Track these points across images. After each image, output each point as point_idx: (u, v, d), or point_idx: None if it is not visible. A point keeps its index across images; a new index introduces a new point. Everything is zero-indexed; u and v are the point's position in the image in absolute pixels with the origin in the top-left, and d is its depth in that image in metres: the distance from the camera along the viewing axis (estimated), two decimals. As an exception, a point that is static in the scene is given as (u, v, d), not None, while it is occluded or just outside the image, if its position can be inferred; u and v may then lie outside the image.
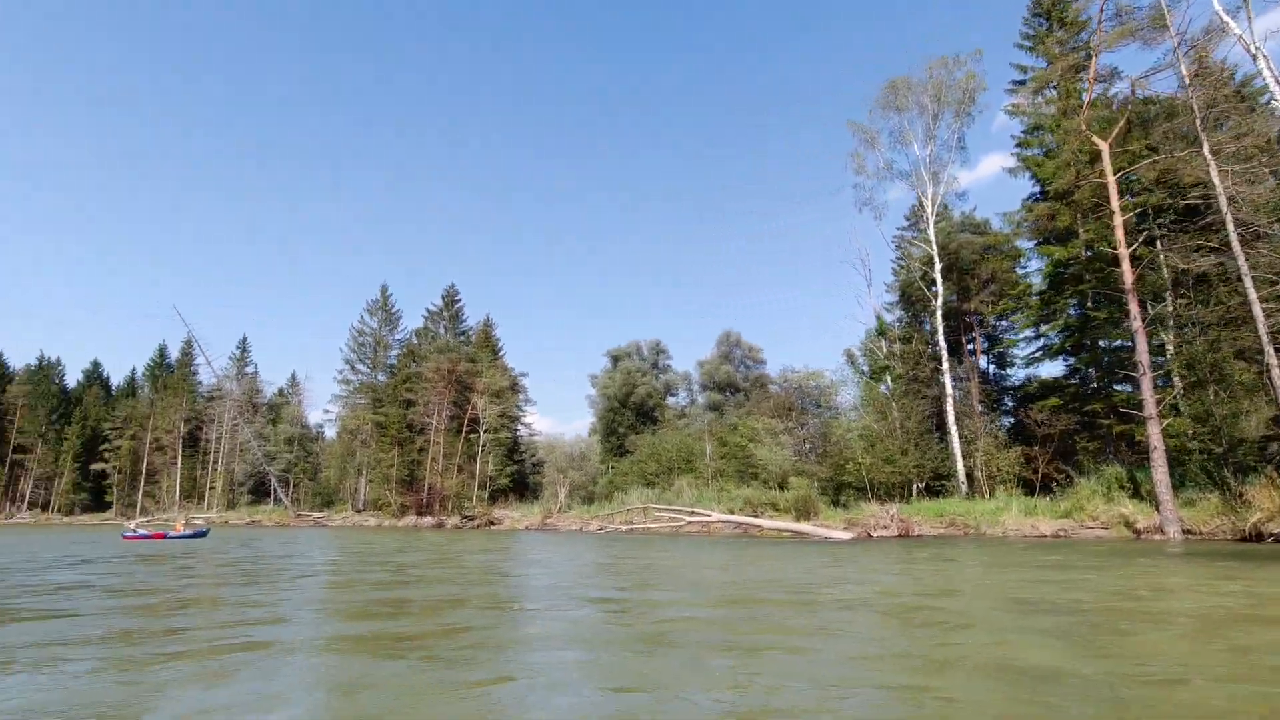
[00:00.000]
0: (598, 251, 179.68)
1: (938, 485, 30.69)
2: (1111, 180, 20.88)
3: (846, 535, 23.33)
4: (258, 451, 63.19)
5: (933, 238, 32.40)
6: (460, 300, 62.93)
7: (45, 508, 72.93)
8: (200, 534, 29.28)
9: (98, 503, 72.19)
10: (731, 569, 13.59)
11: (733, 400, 62.28)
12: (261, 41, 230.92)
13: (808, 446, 38.08)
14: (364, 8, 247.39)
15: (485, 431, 49.96)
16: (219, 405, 68.49)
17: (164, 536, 27.58)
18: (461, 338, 60.58)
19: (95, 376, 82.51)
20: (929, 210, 32.46)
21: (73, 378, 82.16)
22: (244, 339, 77.47)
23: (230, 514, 59.46)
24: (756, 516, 30.36)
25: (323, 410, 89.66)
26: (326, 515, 54.48)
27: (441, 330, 61.93)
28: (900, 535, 23.25)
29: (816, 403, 40.10)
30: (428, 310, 62.33)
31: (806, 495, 29.07)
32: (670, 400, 67.58)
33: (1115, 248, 21.11)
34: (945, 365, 31.21)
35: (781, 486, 31.73)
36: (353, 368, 62.70)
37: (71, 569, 12.93)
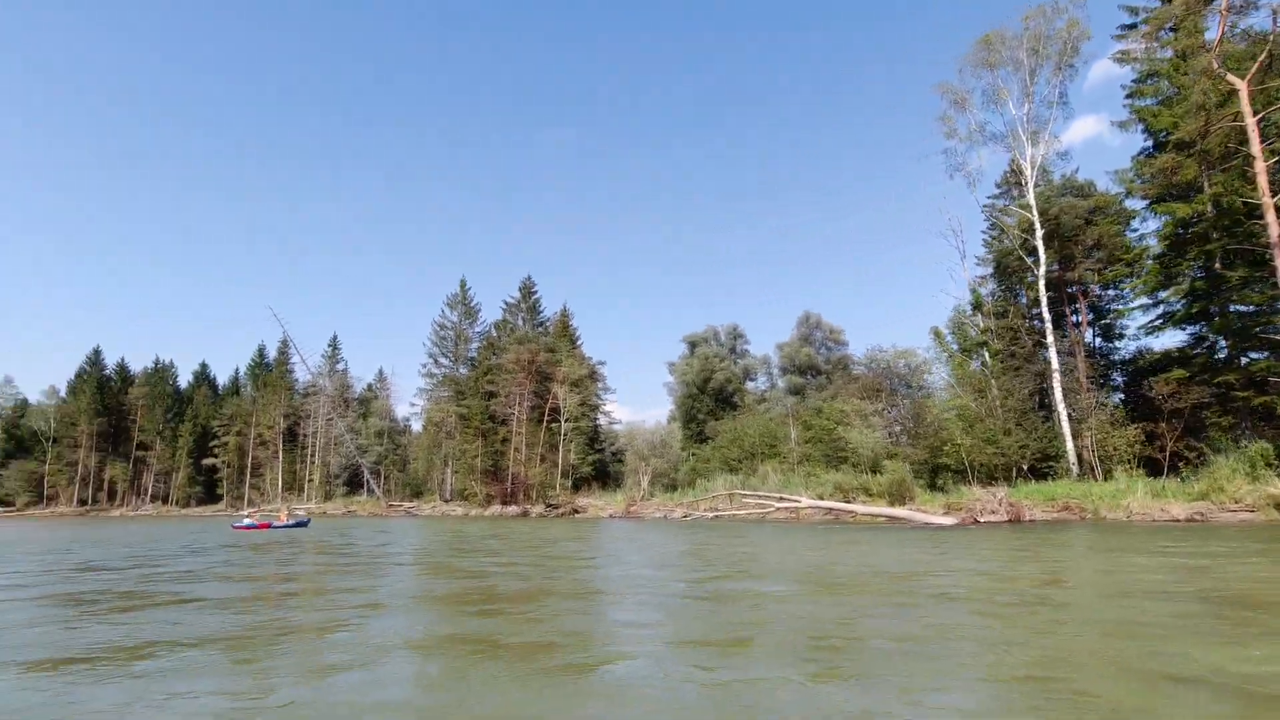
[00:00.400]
0: (672, 239, 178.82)
1: (1044, 467, 28.64)
2: (1251, 122, 18.67)
3: (949, 521, 21.95)
4: (350, 445, 65.74)
5: (1032, 202, 30.12)
6: (537, 292, 63.49)
7: (165, 500, 78.27)
8: (302, 524, 30.53)
9: (210, 495, 76.90)
10: (826, 555, 12.81)
11: (814, 383, 60.55)
12: (367, 45, 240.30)
13: (898, 428, 36.42)
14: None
15: (566, 420, 50.19)
16: (314, 401, 71.64)
17: (269, 526, 28.97)
18: (539, 328, 61.05)
19: (203, 377, 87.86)
20: (1028, 173, 30.17)
21: (184, 379, 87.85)
22: (334, 337, 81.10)
23: (327, 505, 62.13)
24: (848, 502, 29.15)
25: (409, 404, 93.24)
26: (416, 505, 56.08)
27: (520, 322, 62.62)
28: (1010, 520, 21.68)
29: (906, 383, 38.29)
30: (505, 303, 63.21)
31: (901, 479, 27.67)
32: (749, 385, 66.36)
33: (1253, 199, 18.88)
34: (1050, 339, 29.02)
35: (873, 471, 30.35)
36: (435, 361, 64.33)
37: (194, 557, 13.69)
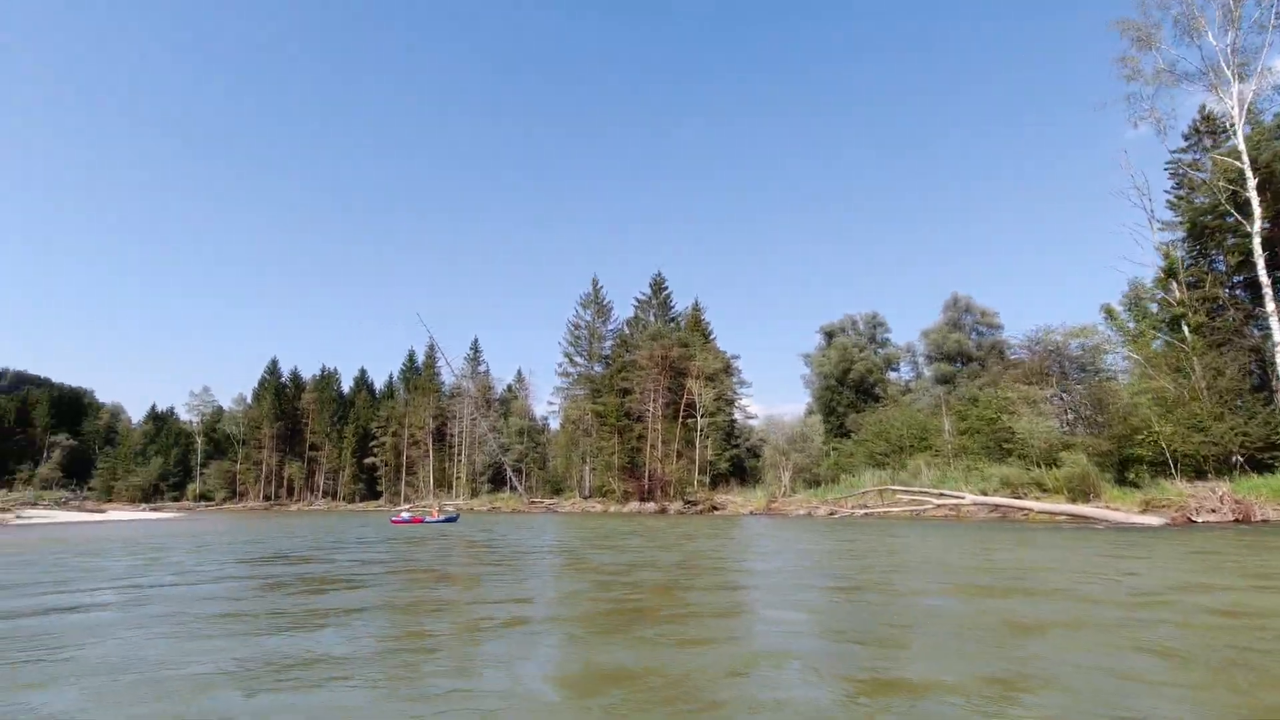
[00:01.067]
0: (799, 228, 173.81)
1: (1269, 458, 24.32)
2: None
3: (1154, 520, 18.95)
4: (493, 443, 68.35)
5: (1242, 147, 25.68)
6: (668, 287, 63.09)
7: (334, 496, 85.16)
8: (451, 519, 31.93)
9: (371, 491, 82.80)
10: (1001, 555, 11.13)
11: (965, 371, 56.09)
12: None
13: (1072, 416, 32.58)
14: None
15: (702, 416, 49.28)
16: (458, 403, 75.25)
17: (422, 521, 30.52)
18: (671, 324, 60.60)
19: (363, 383, 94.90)
20: (1236, 113, 25.75)
21: (346, 384, 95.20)
22: (475, 340, 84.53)
23: (474, 501, 64.90)
24: (1019, 498, 26.23)
25: (546, 403, 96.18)
26: (556, 502, 57.25)
27: (651, 318, 62.48)
28: (1236, 520, 18.38)
29: (1080, 365, 34.16)
30: (637, 299, 63.27)
31: (1084, 473, 24.47)
32: (891, 375, 62.70)
33: None
34: (1271, 306, 24.61)
35: (1049, 464, 27.14)
36: (571, 360, 65.46)
37: (360, 548, 14.72)
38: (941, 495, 28.13)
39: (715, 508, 41.19)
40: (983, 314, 58.51)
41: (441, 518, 32.01)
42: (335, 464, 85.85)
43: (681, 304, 63.85)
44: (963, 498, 27.08)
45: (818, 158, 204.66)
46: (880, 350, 62.78)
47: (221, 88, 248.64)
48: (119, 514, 45.09)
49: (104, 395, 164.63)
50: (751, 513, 38.64)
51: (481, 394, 76.31)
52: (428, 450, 76.64)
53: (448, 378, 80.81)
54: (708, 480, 48.71)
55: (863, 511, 30.51)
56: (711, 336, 58.43)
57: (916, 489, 30.55)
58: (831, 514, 32.41)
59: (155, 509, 74.65)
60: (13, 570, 10.69)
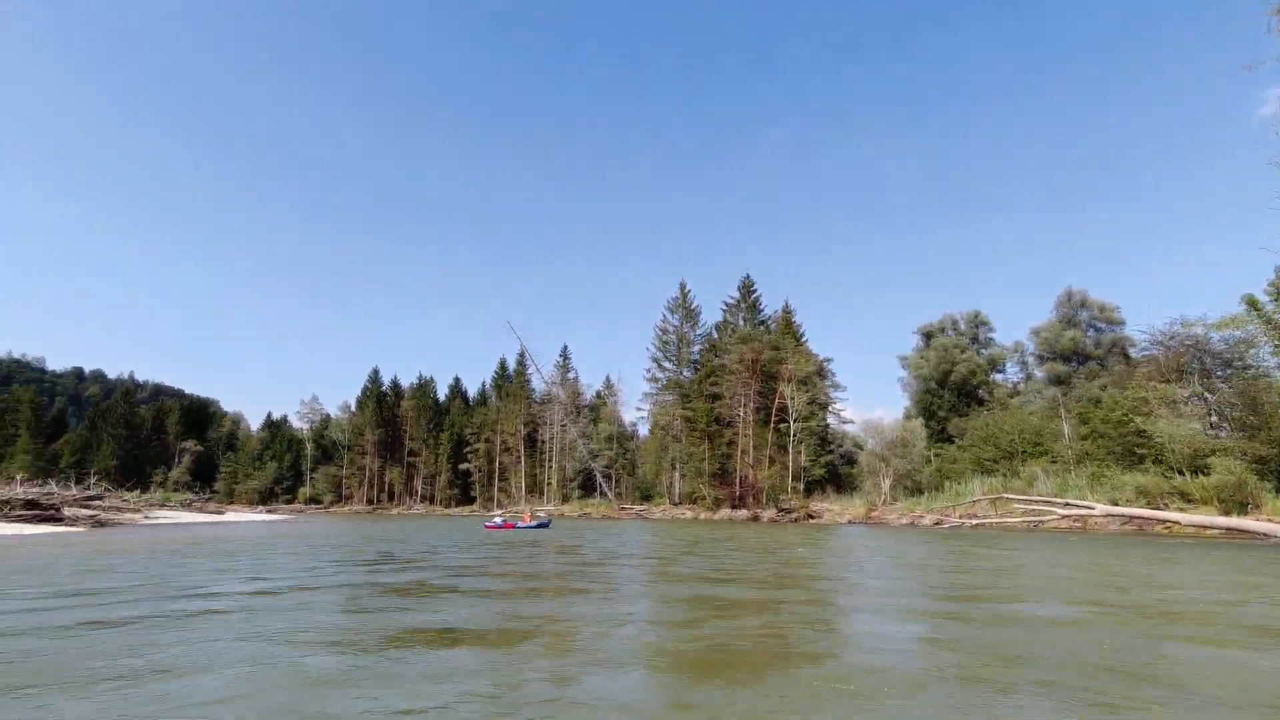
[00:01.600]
0: (897, 228, 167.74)
1: None
2: None
3: (1335, 535, 16.46)
4: (583, 449, 68.70)
5: None
6: (756, 290, 61.74)
7: (431, 500, 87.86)
8: (543, 525, 31.91)
9: (465, 496, 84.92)
10: (1144, 573, 9.58)
11: (1083, 370, 52.11)
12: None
13: (1215, 418, 29.35)
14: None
15: (795, 421, 47.66)
16: (549, 409, 76.15)
17: (514, 526, 30.49)
18: (761, 327, 59.22)
19: (457, 390, 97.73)
20: None
21: (441, 392, 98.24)
22: (564, 347, 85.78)
23: (565, 507, 65.34)
24: (1159, 509, 23.64)
25: (635, 408, 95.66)
26: (646, 508, 56.80)
27: (740, 321, 61.30)
28: None
29: (1226, 361, 30.76)
30: (725, 303, 62.22)
31: (1240, 481, 21.78)
32: (997, 377, 59.08)
33: None
34: None
35: (1194, 471, 24.38)
36: (659, 365, 65.03)
37: (461, 553, 15.03)
38: (1068, 505, 25.76)
39: (811, 516, 39.56)
40: (1100, 309, 54.24)
41: (533, 523, 31.86)
42: (432, 469, 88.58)
43: (771, 306, 62.43)
44: (1092, 508, 24.69)
45: (910, 157, 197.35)
46: (984, 351, 59.30)
47: (339, 108, 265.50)
48: (235, 515, 47.88)
49: (227, 405, 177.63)
50: (850, 521, 36.88)
51: (571, 400, 76.96)
52: (519, 456, 77.90)
53: (538, 384, 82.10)
54: (802, 487, 47.00)
55: (974, 521, 28.40)
56: (803, 339, 56.62)
57: (1037, 499, 28.20)
58: (937, 524, 30.40)
59: (270, 510, 79.16)
60: (151, 565, 10.98)
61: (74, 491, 26.79)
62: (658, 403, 64.59)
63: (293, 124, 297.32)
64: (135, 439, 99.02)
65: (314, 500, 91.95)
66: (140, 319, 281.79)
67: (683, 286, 65.36)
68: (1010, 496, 29.18)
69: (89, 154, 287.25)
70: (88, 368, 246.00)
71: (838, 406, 54.49)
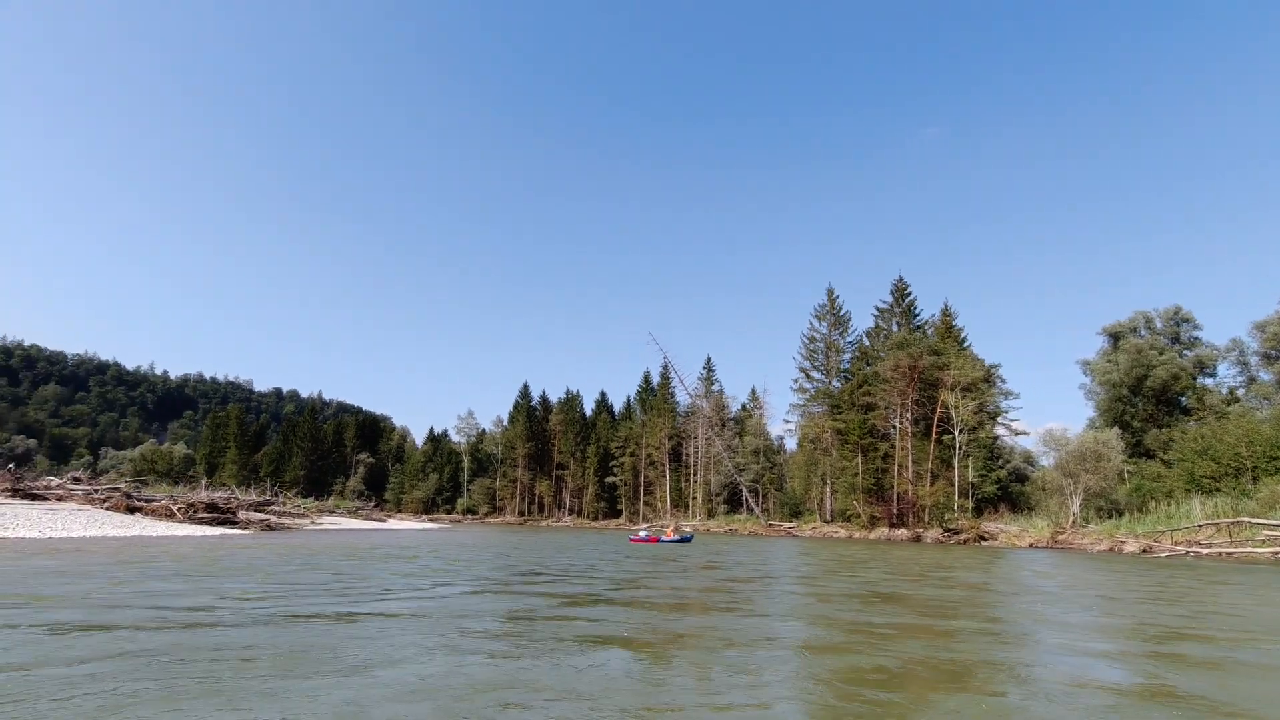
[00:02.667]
0: (1060, 225, 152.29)
1: None
2: None
3: None
4: (728, 463, 66.85)
5: None
6: (911, 293, 57.36)
7: (579, 513, 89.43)
8: (685, 539, 31.25)
9: (611, 509, 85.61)
10: None
11: (1324, 370, 43.56)
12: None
13: None
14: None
15: (960, 432, 43.26)
16: (693, 422, 75.09)
17: (658, 540, 30.12)
18: (917, 332, 54.84)
19: (603, 405, 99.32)
20: None
21: (588, 407, 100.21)
22: (708, 359, 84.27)
23: (710, 522, 63.74)
24: None
25: (783, 421, 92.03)
26: (795, 525, 54.05)
27: (894, 327, 57.14)
28: None
29: None
30: (876, 308, 58.32)
31: None
32: (1206, 381, 50.84)
33: None
34: None
35: None
36: (807, 375, 62.08)
37: (609, 564, 15.54)
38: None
39: (983, 537, 35.35)
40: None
41: (676, 537, 31.43)
42: (580, 482, 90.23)
43: (927, 310, 57.79)
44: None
45: (1076, 154, 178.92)
46: (1187, 352, 51.34)
47: (493, 123, 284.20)
48: (397, 523, 50.75)
49: (397, 419, 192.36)
50: (1031, 545, 32.56)
51: (716, 413, 75.47)
52: (664, 470, 77.37)
53: (682, 398, 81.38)
54: (971, 506, 42.37)
55: (1201, 550, 23.79)
56: (966, 344, 51.70)
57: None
58: (1145, 551, 25.87)
59: (432, 520, 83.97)
60: (329, 565, 11.07)
61: (251, 496, 29.10)
62: (806, 414, 61.58)
63: (453, 144, 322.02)
64: (319, 451, 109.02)
65: (470, 511, 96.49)
66: (326, 343, 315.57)
67: (830, 292, 62.16)
68: (1258, 521, 24.20)
69: (320, 202, 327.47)
70: (285, 388, 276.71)
71: (1010, 417, 48.89)
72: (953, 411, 43.14)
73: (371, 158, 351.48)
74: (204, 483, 31.30)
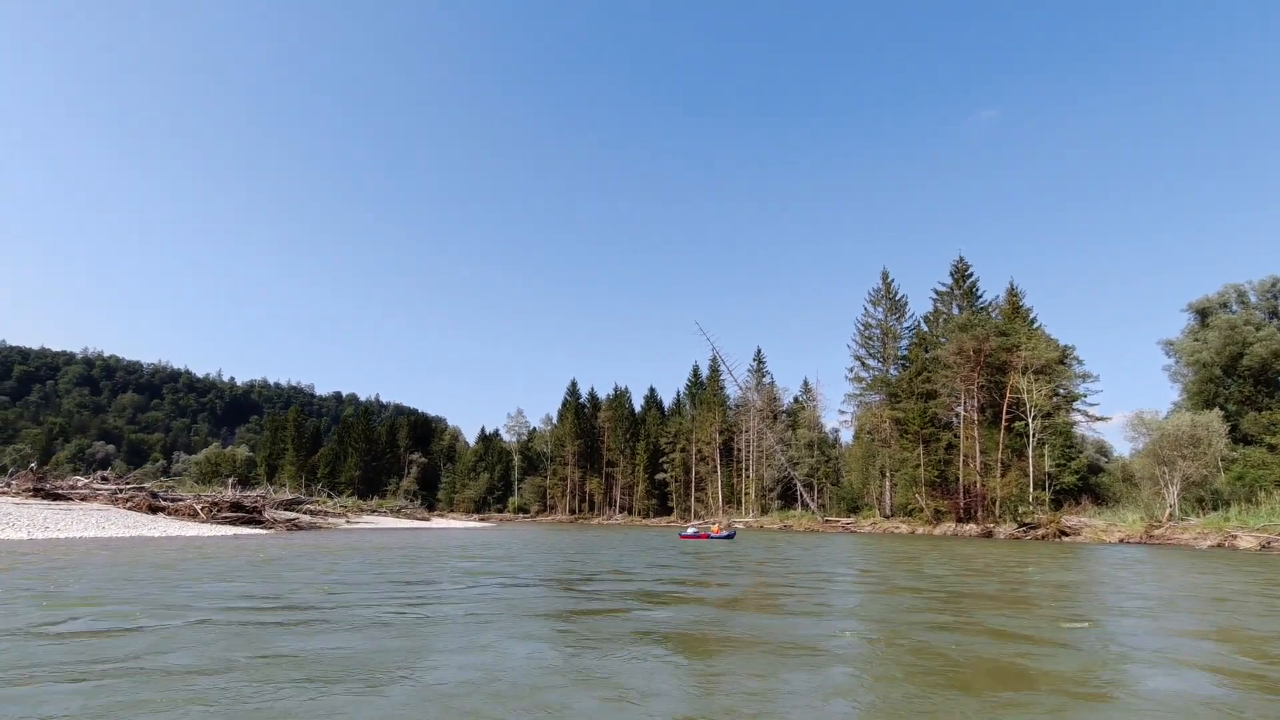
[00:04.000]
0: (1140, 200, 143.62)
1: None
2: None
3: None
4: (781, 457, 64.24)
5: None
6: (973, 273, 53.78)
7: (629, 511, 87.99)
8: (729, 535, 31.44)
9: (663, 507, 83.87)
10: None
11: None
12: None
13: None
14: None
15: (1034, 418, 39.86)
16: (744, 416, 72.66)
17: (707, 536, 30.39)
18: (979, 315, 51.35)
19: (652, 400, 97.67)
20: None
21: (637, 403, 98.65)
22: (758, 351, 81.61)
23: (764, 519, 61.33)
24: None
25: (837, 411, 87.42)
26: (854, 521, 51.31)
27: (955, 310, 53.68)
28: None
29: None
30: (935, 291, 54.90)
31: None
32: (1312, 358, 45.99)
33: None
34: None
35: None
36: (863, 364, 59.00)
37: (662, 560, 15.42)
38: None
39: (1064, 532, 32.16)
40: None
41: (722, 534, 31.25)
42: (630, 479, 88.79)
43: (990, 293, 54.14)
44: None
45: (1145, 138, 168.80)
46: (1293, 326, 46.53)
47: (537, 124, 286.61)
48: (442, 523, 50.01)
49: (451, 421, 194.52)
50: (1121, 540, 29.35)
51: (767, 405, 72.89)
52: (715, 466, 75.20)
53: (732, 390, 78.91)
54: (1048, 498, 38.92)
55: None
56: (1036, 324, 48.02)
57: None
58: (1264, 547, 22.71)
59: (483, 519, 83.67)
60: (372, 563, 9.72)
61: (285, 495, 28.38)
62: (862, 404, 58.51)
63: (502, 149, 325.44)
64: (373, 452, 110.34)
65: (522, 509, 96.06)
66: (384, 348, 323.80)
67: (885, 276, 58.90)
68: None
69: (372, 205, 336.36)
70: (344, 392, 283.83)
71: (1089, 402, 44.76)
72: (1024, 396, 39.81)
73: (424, 165, 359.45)
74: (230, 480, 30.80)
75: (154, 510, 22.08)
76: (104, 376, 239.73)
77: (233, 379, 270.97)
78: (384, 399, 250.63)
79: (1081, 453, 46.91)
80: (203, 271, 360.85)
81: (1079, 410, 44.98)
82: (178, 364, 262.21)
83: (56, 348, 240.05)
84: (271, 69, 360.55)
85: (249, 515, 23.35)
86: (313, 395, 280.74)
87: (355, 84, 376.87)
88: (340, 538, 21.51)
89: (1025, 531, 34.10)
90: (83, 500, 22.13)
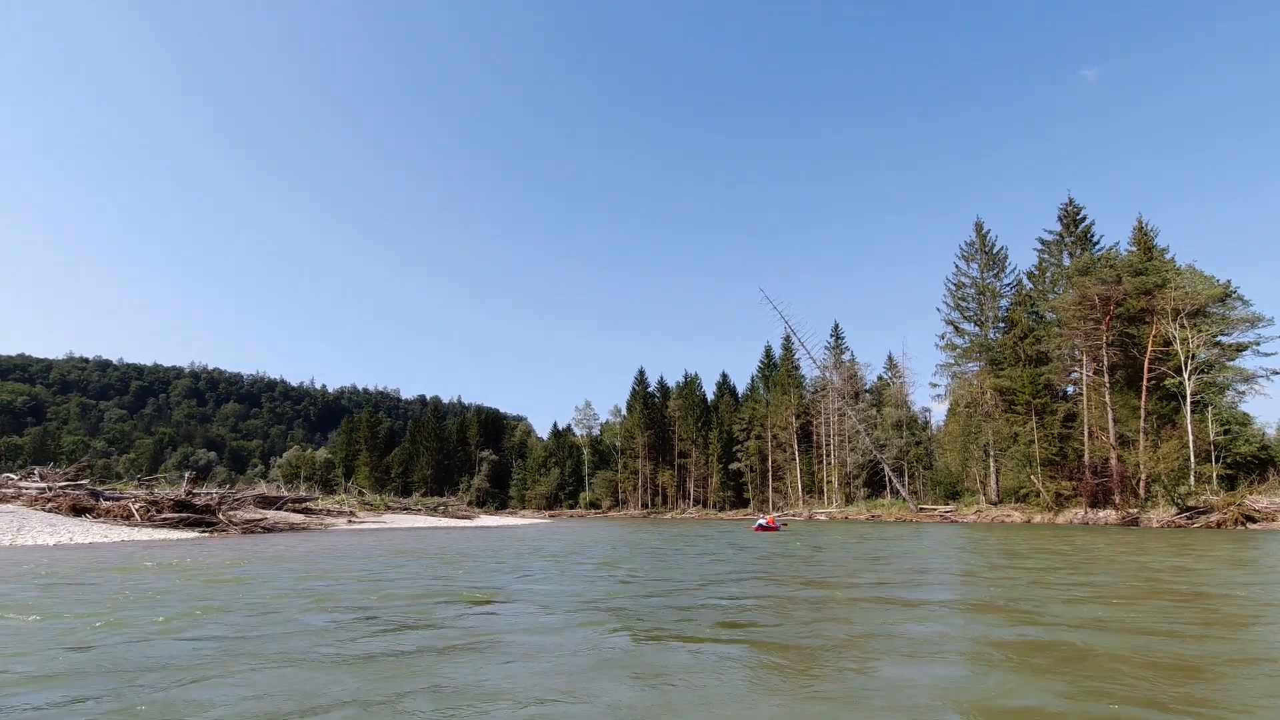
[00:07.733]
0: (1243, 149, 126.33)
1: None
2: None
3: None
4: (866, 439, 57.07)
5: None
6: (1086, 217, 45.20)
7: (704, 504, 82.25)
8: (776, 528, 29.44)
9: (738, 499, 77.81)
10: None
11: None
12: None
13: None
14: None
15: (1191, 375, 31.61)
16: (823, 397, 65.73)
17: (778, 528, 29.27)
18: (1104, 257, 42.84)
19: (725, 386, 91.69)
20: None
21: (709, 390, 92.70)
22: (836, 325, 73.89)
23: (850, 508, 54.48)
24: None
25: (929, 385, 77.91)
26: (954, 508, 44.05)
27: (1066, 260, 45.29)
28: None
29: None
30: (1040, 240, 46.64)
31: None
32: None
33: None
34: None
35: None
36: (956, 329, 51.22)
37: (740, 556, 14.05)
38: None
39: (1249, 518, 24.40)
40: None
41: (775, 526, 29.94)
42: (703, 471, 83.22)
43: (1109, 238, 45.43)
44: None
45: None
46: None
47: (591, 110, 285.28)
48: (491, 520, 45.96)
49: (529, 418, 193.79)
50: (1333, 528, 21.55)
51: (847, 384, 65.56)
52: (793, 453, 68.53)
53: (808, 370, 71.76)
54: (1213, 475, 30.48)
55: None
56: (1177, 264, 39.25)
57: None
58: None
59: (552, 515, 79.90)
60: None
61: (282, 493, 24.68)
62: (958, 375, 50.79)
63: (572, 140, 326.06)
64: (444, 451, 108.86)
65: (593, 505, 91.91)
66: (463, 349, 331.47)
67: (979, 227, 50.89)
68: None
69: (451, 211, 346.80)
70: (428, 394, 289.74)
71: (1262, 350, 34.72)
72: (1178, 347, 31.61)
73: (500, 161, 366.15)
74: (188, 475, 27.62)
75: (78, 512, 18.53)
76: (209, 388, 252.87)
77: (324, 386, 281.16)
78: (465, 400, 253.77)
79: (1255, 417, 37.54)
80: (299, 281, 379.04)
81: (1254, 354, 34.55)
82: (274, 374, 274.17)
83: (168, 363, 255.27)
84: (358, 62, 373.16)
85: (198, 517, 19.48)
86: (398, 399, 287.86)
87: (430, 80, 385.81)
88: (297, 543, 17.13)
89: (1190, 518, 26.36)
90: (2, 501, 18.84)
